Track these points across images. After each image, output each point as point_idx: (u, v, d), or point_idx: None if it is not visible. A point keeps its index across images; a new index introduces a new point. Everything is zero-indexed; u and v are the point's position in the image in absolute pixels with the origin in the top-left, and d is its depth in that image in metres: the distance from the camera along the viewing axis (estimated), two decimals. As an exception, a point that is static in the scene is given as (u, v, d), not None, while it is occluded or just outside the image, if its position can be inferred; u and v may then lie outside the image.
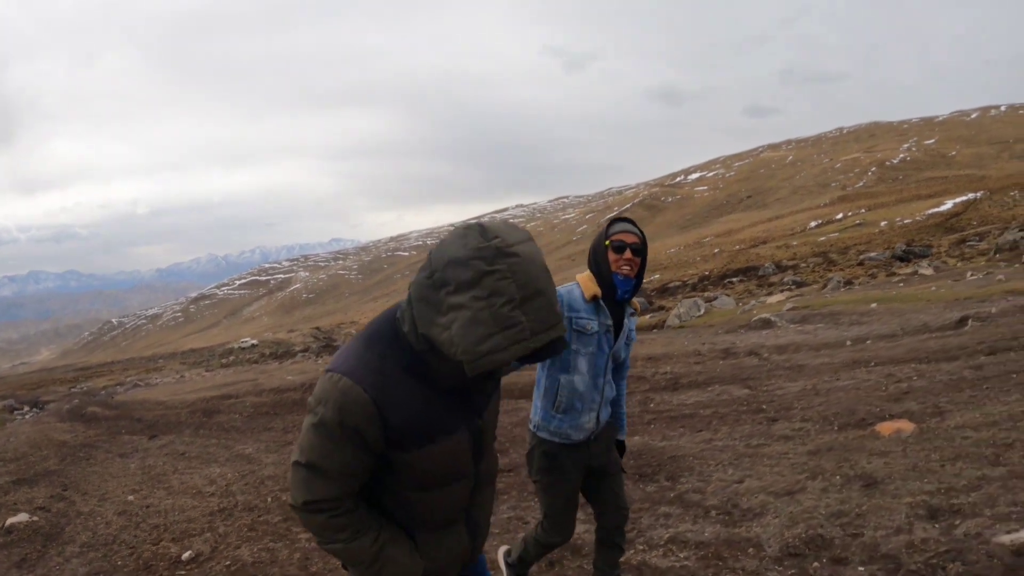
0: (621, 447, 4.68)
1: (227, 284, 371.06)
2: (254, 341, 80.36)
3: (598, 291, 4.16)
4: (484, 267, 2.10)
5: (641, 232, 4.26)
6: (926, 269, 32.51)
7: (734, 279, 50.14)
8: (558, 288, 3.93)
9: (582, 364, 4.18)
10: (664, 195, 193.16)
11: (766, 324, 20.46)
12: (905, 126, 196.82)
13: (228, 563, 5.99)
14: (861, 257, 45.83)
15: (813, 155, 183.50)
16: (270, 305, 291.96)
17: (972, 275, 26.33)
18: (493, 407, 2.75)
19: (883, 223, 70.73)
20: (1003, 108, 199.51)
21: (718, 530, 5.73)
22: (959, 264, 33.34)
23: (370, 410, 2.32)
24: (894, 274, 33.80)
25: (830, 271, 42.53)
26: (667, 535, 5.76)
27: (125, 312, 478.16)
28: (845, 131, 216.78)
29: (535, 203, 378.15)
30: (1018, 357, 10.64)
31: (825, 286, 33.76)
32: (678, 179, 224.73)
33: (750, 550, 5.32)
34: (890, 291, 25.25)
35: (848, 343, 14.82)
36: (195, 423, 14.61)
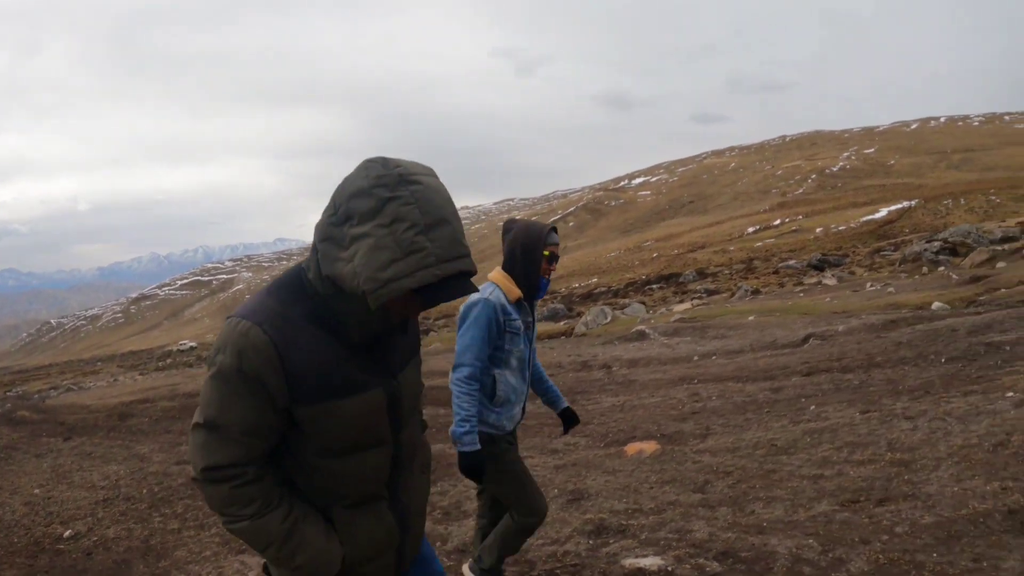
0: (570, 415, 4.96)
1: (169, 284, 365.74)
2: (193, 343, 79.55)
3: (519, 292, 4.40)
4: (386, 194, 2.04)
5: (554, 227, 4.63)
6: (830, 279, 33.03)
7: (655, 286, 50.73)
8: (485, 292, 4.36)
9: (513, 361, 4.47)
10: (608, 199, 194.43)
11: (640, 336, 20.80)
12: (847, 135, 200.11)
13: (96, 539, 7.19)
14: (780, 265, 46.50)
15: (756, 162, 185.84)
16: (212, 306, 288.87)
17: (871, 286, 26.84)
18: (412, 373, 2.54)
19: (818, 229, 71.93)
20: (942, 120, 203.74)
21: (430, 527, 6.55)
22: (866, 274, 33.91)
23: (270, 352, 2.13)
24: (801, 283, 34.29)
25: (747, 279, 43.13)
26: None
27: (64, 312, 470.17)
28: (788, 139, 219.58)
29: (480, 205, 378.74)
30: (825, 380, 11.43)
31: (734, 295, 34.20)
32: (622, 183, 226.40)
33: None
34: (786, 302, 25.75)
35: (695, 358, 15.52)
36: (109, 426, 15.02)
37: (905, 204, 77.86)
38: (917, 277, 27.75)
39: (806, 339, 15.93)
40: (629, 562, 5.08)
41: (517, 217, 4.74)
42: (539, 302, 4.96)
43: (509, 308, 4.36)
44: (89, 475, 9.73)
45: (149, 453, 11.08)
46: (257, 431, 2.20)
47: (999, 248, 29.84)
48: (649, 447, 8.12)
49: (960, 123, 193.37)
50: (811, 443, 7.46)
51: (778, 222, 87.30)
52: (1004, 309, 15.88)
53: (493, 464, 4.43)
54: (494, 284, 4.42)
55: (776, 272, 43.28)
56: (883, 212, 75.41)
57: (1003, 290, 19.64)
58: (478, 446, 4.28)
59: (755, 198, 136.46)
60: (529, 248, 4.40)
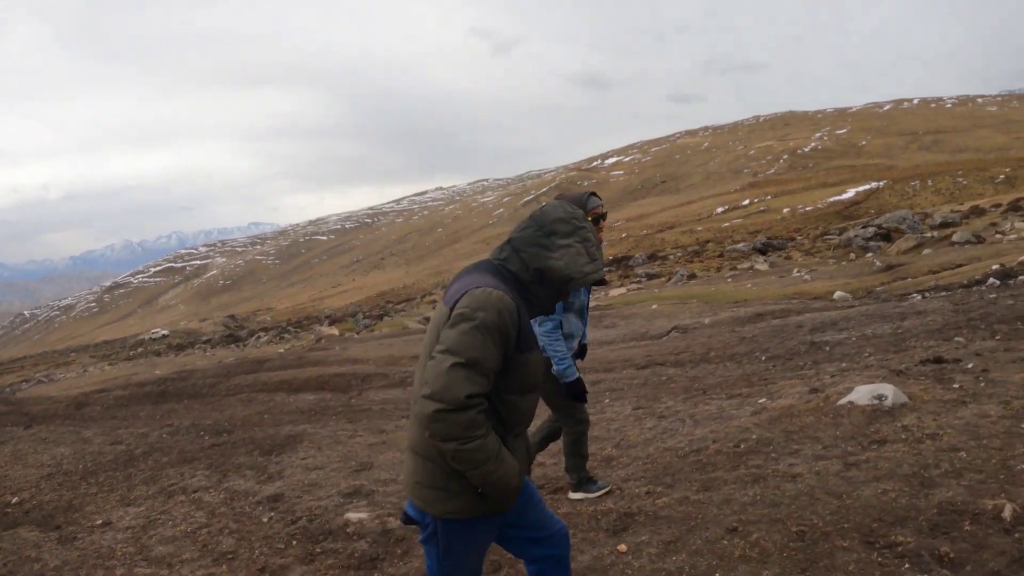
0: (582, 348, 6.25)
1: (142, 272, 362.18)
2: (165, 331, 79.36)
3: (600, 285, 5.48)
4: (578, 224, 3.33)
5: (602, 202, 5.89)
6: (762, 265, 33.12)
7: (605, 268, 50.58)
8: None
9: (576, 306, 5.95)
10: (580, 179, 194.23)
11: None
12: (820, 116, 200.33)
13: (34, 503, 8.36)
14: (728, 248, 46.53)
15: (728, 142, 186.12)
16: (186, 293, 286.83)
17: (796, 272, 27.10)
18: None
19: (785, 210, 72.37)
20: (915, 101, 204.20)
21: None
22: (801, 259, 33.97)
23: (516, 313, 3.13)
24: (735, 269, 34.38)
25: (692, 262, 43.19)
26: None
27: (37, 303, 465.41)
28: (761, 119, 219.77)
29: (455, 186, 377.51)
30: (649, 374, 12.37)
31: (670, 279, 34.44)
32: (595, 163, 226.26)
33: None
34: (709, 288, 26.14)
35: None
36: (66, 415, 16.05)
37: (873, 185, 78.20)
38: (844, 263, 27.99)
39: (669, 331, 16.55)
40: (347, 516, 6.31)
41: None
42: None
43: None
44: (40, 456, 10.68)
45: (92, 436, 11.92)
46: (495, 369, 3.09)
47: (927, 235, 29.84)
48: None
49: (933, 105, 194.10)
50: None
51: (747, 202, 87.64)
52: (880, 303, 16.17)
53: (554, 381, 5.83)
54: None
55: (721, 255, 43.27)
56: (850, 193, 75.77)
57: (909, 279, 19.78)
58: (578, 375, 5.74)
59: (727, 178, 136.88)
60: None
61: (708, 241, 57.48)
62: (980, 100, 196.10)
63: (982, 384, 7.08)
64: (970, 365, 7.94)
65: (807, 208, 71.16)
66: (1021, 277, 15.41)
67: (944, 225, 32.73)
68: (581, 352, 6.29)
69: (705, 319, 16.98)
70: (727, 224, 70.77)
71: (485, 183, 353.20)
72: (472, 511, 3.24)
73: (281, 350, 26.24)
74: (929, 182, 74.32)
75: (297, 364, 18.28)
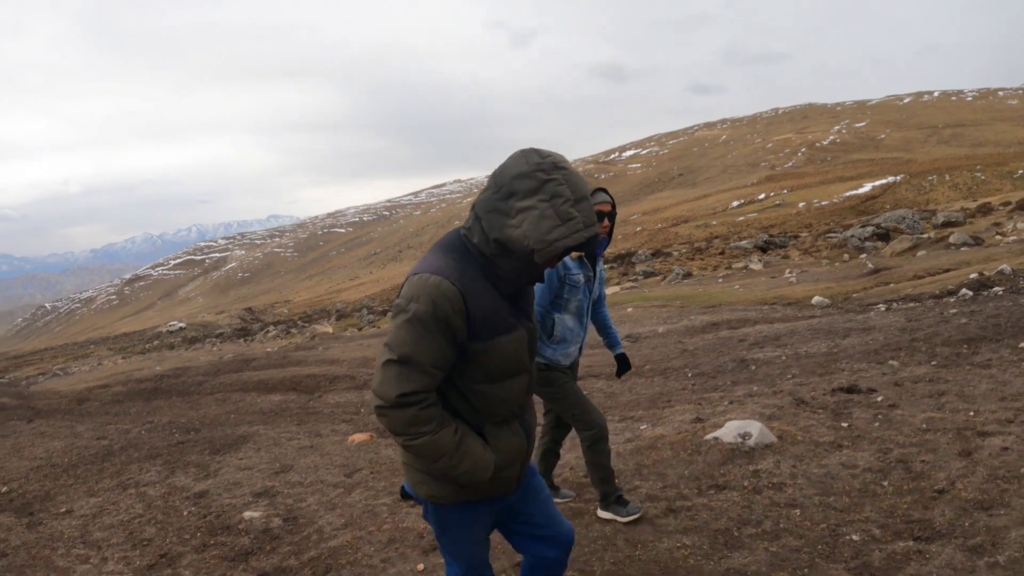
0: (624, 360, 5.95)
1: (162, 264, 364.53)
2: (182, 324, 79.84)
3: (580, 253, 5.11)
4: (544, 176, 2.72)
5: (612, 198, 5.41)
6: (756, 264, 32.59)
7: (606, 266, 49.69)
8: None
9: (572, 306, 5.36)
10: (598, 172, 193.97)
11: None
12: (839, 108, 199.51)
13: (19, 492, 8.80)
14: (732, 246, 45.78)
15: (747, 135, 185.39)
16: (205, 285, 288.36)
17: (788, 273, 26.58)
18: (533, 316, 3.23)
19: (801, 204, 71.94)
20: (936, 94, 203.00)
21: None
22: (797, 259, 33.35)
23: (458, 301, 2.77)
24: (730, 268, 33.80)
25: (693, 260, 42.67)
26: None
27: (59, 296, 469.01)
28: (780, 112, 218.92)
29: (473, 179, 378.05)
30: (579, 386, 11.77)
31: (665, 278, 34.04)
32: (612, 156, 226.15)
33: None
34: (697, 288, 25.81)
35: None
36: (66, 409, 16.50)
37: (890, 180, 77.72)
38: (838, 264, 27.39)
39: (626, 337, 16.25)
40: (244, 514, 6.78)
41: None
42: None
43: (570, 264, 5.27)
44: (35, 450, 11.28)
45: (83, 431, 12.54)
46: (440, 363, 2.83)
47: (924, 236, 29.07)
48: (361, 437, 9.51)
49: (953, 98, 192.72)
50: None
51: (763, 196, 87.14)
52: (843, 313, 15.61)
53: (550, 388, 5.41)
54: None
55: (722, 253, 42.82)
56: (867, 187, 75.23)
57: (890, 285, 19.00)
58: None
59: (744, 171, 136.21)
60: None
61: (716, 237, 57.20)
62: (1001, 93, 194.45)
63: (876, 424, 6.79)
64: (880, 398, 7.63)
65: (822, 203, 70.73)
66: (996, 288, 14.63)
67: (947, 224, 32.12)
68: (622, 364, 5.90)
69: (661, 327, 16.68)
70: (741, 218, 70.38)
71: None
72: (454, 497, 3.10)
73: (269, 348, 26.33)
74: (947, 177, 73.78)
75: (279, 364, 18.44)
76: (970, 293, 14.81)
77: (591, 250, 2.88)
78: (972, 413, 6.64)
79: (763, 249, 40.94)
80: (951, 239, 25.67)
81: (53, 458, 10.45)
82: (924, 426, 6.50)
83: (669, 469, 6.37)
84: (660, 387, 10.94)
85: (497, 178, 2.81)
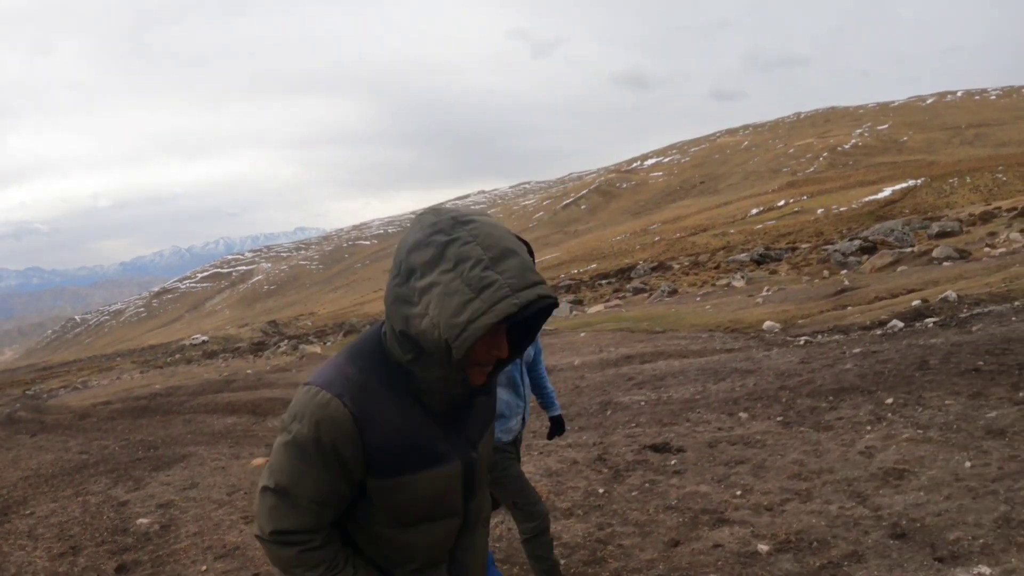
0: (559, 423, 5.33)
1: (189, 277, 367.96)
2: (205, 337, 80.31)
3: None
4: (443, 238, 2.02)
5: (527, 243, 3.90)
6: (738, 281, 31.86)
7: (605, 280, 49.84)
8: None
9: (502, 378, 4.66)
10: (619, 181, 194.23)
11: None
12: (861, 111, 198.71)
13: (6, 497, 9.71)
14: (729, 259, 45.03)
15: (768, 140, 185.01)
16: (232, 298, 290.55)
17: (766, 290, 25.87)
18: (488, 440, 2.50)
19: (819, 211, 71.66)
20: (959, 94, 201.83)
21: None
22: (783, 275, 32.41)
23: (349, 426, 2.12)
24: (714, 285, 33.04)
25: (689, 274, 41.96)
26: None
27: (88, 308, 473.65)
28: (802, 116, 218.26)
29: (496, 189, 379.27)
30: None
31: (651, 295, 33.54)
32: (634, 165, 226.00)
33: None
34: (670, 308, 25.35)
35: None
36: (69, 424, 17.17)
37: (910, 183, 77.33)
38: (817, 282, 26.56)
39: None
40: (139, 520, 7.85)
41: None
42: None
43: None
44: (30, 462, 12.09)
45: (72, 446, 13.31)
46: (327, 500, 2.21)
47: (907, 251, 28.20)
48: (260, 461, 10.12)
49: (977, 97, 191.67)
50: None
51: (782, 203, 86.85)
52: (762, 346, 14.80)
53: (491, 472, 4.48)
54: None
55: (717, 267, 42.12)
56: (887, 192, 74.94)
57: (848, 308, 17.95)
58: None
59: (765, 177, 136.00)
60: None
61: (721, 249, 57.05)
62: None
63: (634, 494, 6.72)
64: (674, 461, 7.46)
65: (841, 208, 70.44)
66: (929, 320, 13.41)
67: (941, 235, 31.69)
68: (555, 426, 5.36)
69: (578, 359, 16.24)
70: (760, 226, 70.23)
71: (527, 186, 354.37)
72: None
73: (273, 364, 26.66)
74: (967, 179, 73.34)
75: (252, 386, 18.67)
76: (900, 325, 13.63)
77: (541, 321, 2.25)
78: (740, 492, 6.32)
79: (758, 262, 40.31)
80: (935, 253, 24.94)
81: (41, 469, 11.32)
82: (674, 502, 6.35)
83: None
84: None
85: (396, 256, 2.14)
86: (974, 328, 11.41)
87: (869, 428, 7.60)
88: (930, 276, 20.39)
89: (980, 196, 64.62)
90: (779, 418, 8.69)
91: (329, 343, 40.87)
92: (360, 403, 2.14)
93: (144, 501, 8.72)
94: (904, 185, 76.75)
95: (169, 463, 10.68)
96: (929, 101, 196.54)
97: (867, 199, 73.02)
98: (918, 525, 5.15)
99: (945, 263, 23.18)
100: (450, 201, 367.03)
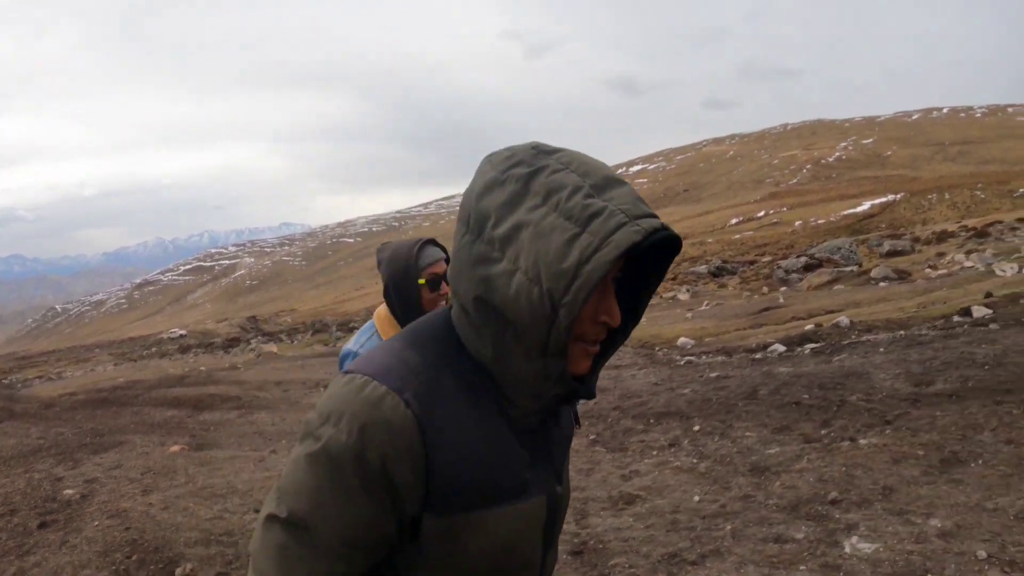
0: None
1: (172, 270, 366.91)
2: (183, 332, 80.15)
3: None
4: (525, 170, 1.47)
5: (446, 251, 3.56)
6: (683, 295, 31.64)
7: None
8: (360, 338, 3.61)
9: None
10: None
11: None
12: (847, 124, 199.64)
13: None
14: (688, 270, 44.36)
15: (754, 150, 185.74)
16: (214, 292, 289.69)
17: (705, 304, 25.74)
18: (567, 475, 1.81)
19: (797, 223, 72.10)
20: (945, 110, 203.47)
21: None
22: (731, 289, 32.23)
23: (410, 436, 1.45)
24: (660, 297, 32.35)
25: None
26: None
27: (69, 298, 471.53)
28: (789, 127, 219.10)
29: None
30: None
31: None
32: (620, 170, 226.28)
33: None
34: None
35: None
36: (34, 413, 17.34)
37: (890, 198, 77.86)
38: (756, 298, 26.31)
39: None
40: (64, 491, 8.71)
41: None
42: None
43: None
44: None
45: (34, 432, 13.63)
46: (363, 543, 1.50)
47: (847, 270, 28.12)
48: (175, 448, 10.96)
49: (963, 114, 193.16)
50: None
51: (762, 213, 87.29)
52: (652, 365, 14.57)
53: None
54: (373, 327, 3.61)
55: (674, 278, 42.36)
56: (865, 206, 75.37)
57: (765, 327, 17.51)
58: None
59: (748, 188, 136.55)
60: (399, 281, 3.49)
61: (695, 258, 57.36)
62: (1011, 109, 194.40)
63: None
64: None
65: (819, 221, 70.89)
66: (809, 346, 12.92)
67: (892, 253, 31.67)
68: None
69: None
70: (737, 236, 70.57)
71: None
72: None
73: (243, 360, 26.84)
74: (947, 195, 73.76)
75: (201, 383, 18.86)
76: (781, 349, 13.07)
77: (670, 259, 1.58)
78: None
79: (714, 275, 39.97)
80: (873, 273, 24.79)
81: (2, 452, 11.69)
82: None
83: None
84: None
85: (461, 212, 1.56)
86: (836, 358, 11.39)
87: (655, 453, 7.94)
88: (854, 297, 20.40)
89: (957, 213, 65.11)
90: (592, 436, 9.03)
91: (294, 342, 41.07)
92: (428, 404, 1.48)
93: (76, 477, 9.57)
94: (884, 200, 77.20)
95: (107, 448, 11.36)
96: (915, 117, 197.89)
97: (846, 212, 73.46)
98: (600, 547, 5.58)
99: (881, 283, 23.12)
100: (438, 200, 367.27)
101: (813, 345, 12.87)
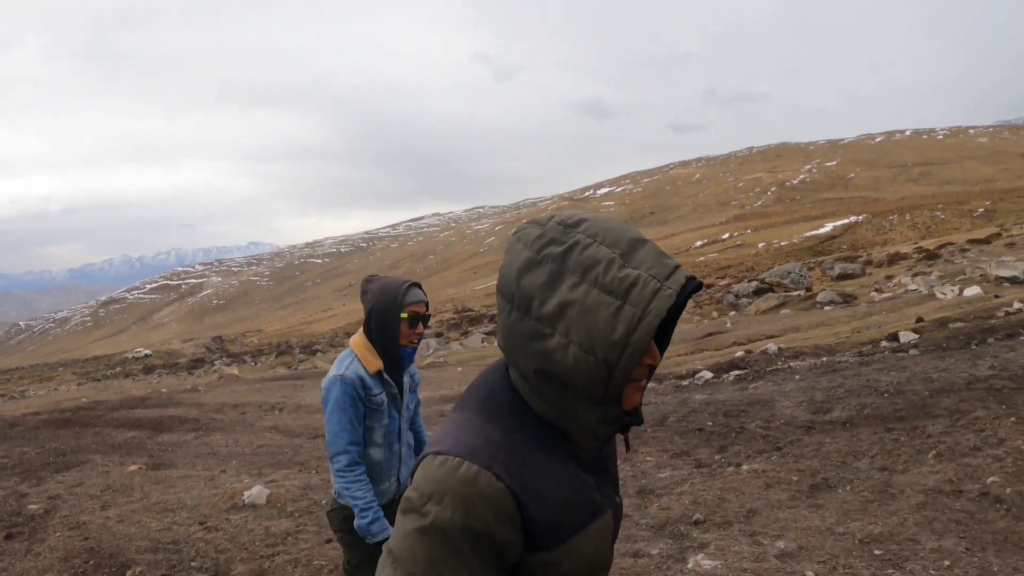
0: None
1: (138, 288, 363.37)
2: (148, 351, 79.69)
3: (380, 364, 3.98)
4: (558, 249, 1.65)
5: (426, 295, 4.13)
6: None
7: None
8: (341, 365, 3.97)
9: (378, 436, 4.09)
10: (572, 209, 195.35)
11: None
12: (811, 147, 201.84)
13: None
14: None
15: (720, 173, 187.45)
16: (180, 311, 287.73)
17: None
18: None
19: (761, 245, 72.99)
20: (907, 133, 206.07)
21: None
22: (687, 313, 31.28)
23: (506, 505, 1.67)
24: None
25: None
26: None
27: (34, 315, 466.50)
28: (754, 151, 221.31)
29: (451, 212, 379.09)
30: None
31: None
32: (587, 193, 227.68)
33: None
34: None
35: (277, 410, 17.06)
36: None
37: (852, 219, 78.91)
38: (706, 322, 26.49)
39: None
40: (29, 506, 9.14)
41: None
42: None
43: (369, 382, 3.96)
44: None
45: None
46: None
47: (794, 294, 28.01)
48: (133, 468, 11.26)
49: (925, 136, 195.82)
50: None
51: (726, 236, 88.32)
52: None
53: (349, 534, 4.12)
54: (352, 354, 4.00)
55: None
56: (828, 227, 76.41)
57: (705, 352, 17.50)
58: (389, 531, 3.88)
59: (714, 210, 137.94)
60: (384, 314, 3.92)
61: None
62: (972, 131, 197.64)
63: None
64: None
65: (782, 243, 71.81)
66: (734, 373, 13.01)
67: (842, 277, 32.20)
68: None
69: (437, 393, 16.49)
70: (702, 259, 71.28)
71: (481, 210, 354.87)
72: None
73: (204, 382, 26.93)
74: (907, 216, 74.89)
75: (162, 404, 18.99)
76: (709, 376, 13.11)
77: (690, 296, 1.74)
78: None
79: None
80: (819, 297, 25.00)
81: None
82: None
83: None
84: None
85: (503, 289, 1.74)
86: (752, 386, 11.50)
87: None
88: (796, 322, 20.68)
89: (917, 233, 66.19)
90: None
91: (258, 364, 41.12)
92: (515, 474, 1.69)
93: (40, 494, 9.90)
94: (846, 221, 78.34)
95: (69, 467, 11.67)
96: (878, 139, 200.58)
97: (808, 234, 74.49)
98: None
99: (827, 307, 23.33)
100: (404, 222, 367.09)
101: (738, 372, 12.98)
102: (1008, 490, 5.93)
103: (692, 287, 1.64)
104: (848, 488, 6.66)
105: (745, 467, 7.63)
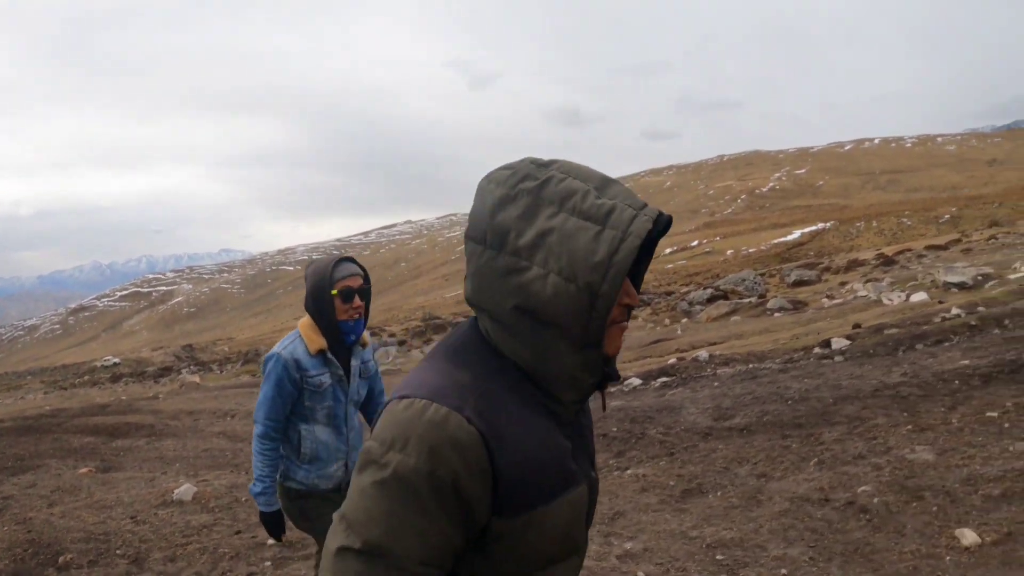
0: None
1: (108, 295, 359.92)
2: (117, 360, 79.14)
3: (323, 343, 3.96)
4: (533, 183, 1.61)
5: (364, 269, 4.09)
6: None
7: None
8: (283, 344, 4.03)
9: (320, 416, 4.06)
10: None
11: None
12: (782, 156, 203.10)
13: None
14: None
15: (691, 181, 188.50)
16: (151, 319, 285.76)
17: None
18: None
19: (729, 252, 73.48)
20: (876, 141, 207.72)
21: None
22: (642, 319, 31.47)
23: (477, 451, 1.54)
24: None
25: None
26: None
27: (3, 322, 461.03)
28: (725, 158, 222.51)
29: (423, 220, 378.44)
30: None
31: None
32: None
33: None
34: None
35: (229, 417, 17.28)
36: None
37: (820, 226, 79.52)
38: (658, 329, 26.37)
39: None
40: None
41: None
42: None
43: (306, 363, 3.95)
44: None
45: None
46: (440, 558, 1.57)
47: (746, 301, 27.94)
48: (84, 470, 11.59)
49: (893, 144, 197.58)
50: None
51: (695, 243, 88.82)
52: None
53: (309, 523, 4.16)
54: (297, 334, 4.04)
55: None
56: (796, 234, 76.94)
57: (648, 359, 17.76)
58: (276, 506, 4.10)
59: (685, 218, 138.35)
60: (316, 292, 3.94)
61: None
62: (940, 139, 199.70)
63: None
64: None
65: (750, 250, 72.32)
66: (661, 379, 12.90)
67: (798, 283, 32.26)
68: None
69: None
70: (670, 266, 71.73)
71: (454, 218, 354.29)
72: None
73: (165, 390, 26.89)
74: (874, 223, 75.47)
75: (122, 411, 18.90)
76: (638, 383, 12.84)
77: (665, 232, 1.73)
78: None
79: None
80: (769, 304, 24.82)
81: None
82: None
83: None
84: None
85: (473, 233, 1.67)
86: (670, 392, 11.50)
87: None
88: (741, 329, 20.67)
89: (883, 239, 66.65)
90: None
91: (223, 372, 41.01)
92: (487, 418, 1.57)
93: None
94: (814, 228, 78.96)
95: (25, 470, 12.00)
96: (847, 147, 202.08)
97: (776, 241, 75.03)
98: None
99: (776, 314, 23.22)
100: (377, 230, 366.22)
101: (665, 379, 12.84)
102: (876, 500, 5.94)
103: (665, 220, 1.65)
104: (719, 494, 6.78)
105: (630, 471, 7.81)
